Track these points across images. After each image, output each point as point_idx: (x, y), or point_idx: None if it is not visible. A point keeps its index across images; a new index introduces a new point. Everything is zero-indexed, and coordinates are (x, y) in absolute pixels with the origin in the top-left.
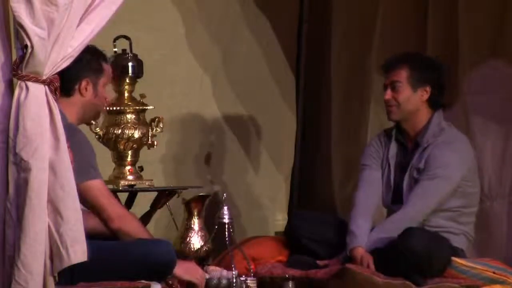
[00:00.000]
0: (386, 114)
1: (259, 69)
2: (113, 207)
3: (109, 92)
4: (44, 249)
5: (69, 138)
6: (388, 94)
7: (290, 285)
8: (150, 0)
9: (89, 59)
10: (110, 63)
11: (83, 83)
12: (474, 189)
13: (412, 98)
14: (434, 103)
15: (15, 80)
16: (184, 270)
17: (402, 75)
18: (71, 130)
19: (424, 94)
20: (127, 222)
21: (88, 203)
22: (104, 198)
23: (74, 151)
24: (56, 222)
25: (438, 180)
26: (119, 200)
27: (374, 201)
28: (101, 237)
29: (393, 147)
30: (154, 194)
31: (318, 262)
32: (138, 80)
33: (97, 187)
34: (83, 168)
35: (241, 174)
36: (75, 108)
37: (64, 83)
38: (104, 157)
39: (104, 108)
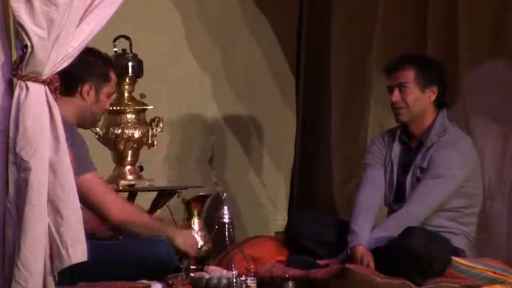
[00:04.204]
0: (394, 116)
1: (259, 69)
2: (109, 203)
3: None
4: (44, 249)
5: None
6: (396, 95)
7: (290, 285)
8: (150, 0)
9: (98, 64)
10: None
11: (86, 87)
12: (477, 190)
13: (421, 99)
14: (439, 103)
15: (15, 80)
16: (183, 240)
17: (409, 76)
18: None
19: (431, 94)
20: (128, 214)
21: (84, 201)
22: (98, 193)
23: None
24: (56, 222)
25: (441, 180)
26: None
27: (376, 200)
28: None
29: (397, 147)
30: (154, 194)
31: (319, 261)
32: (138, 80)
33: (91, 180)
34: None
35: (241, 174)
36: (72, 109)
37: (67, 82)
38: (104, 157)
39: (101, 116)
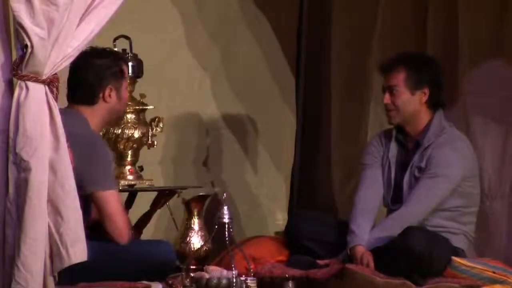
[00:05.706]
0: (387, 118)
1: (259, 69)
2: (123, 224)
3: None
4: (44, 249)
5: (88, 146)
6: (387, 98)
7: (290, 285)
8: (150, 0)
9: (110, 65)
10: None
11: (107, 91)
12: (475, 189)
13: (411, 101)
14: (433, 104)
15: (15, 80)
16: None
17: (399, 78)
18: (92, 138)
19: (422, 96)
20: (130, 234)
21: (100, 212)
22: (114, 212)
23: (92, 159)
24: (56, 222)
25: (439, 179)
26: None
27: (375, 200)
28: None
29: (393, 147)
30: (154, 194)
31: (319, 261)
32: (138, 80)
33: (110, 198)
34: (99, 177)
35: (241, 174)
36: (99, 115)
37: (87, 92)
38: None
39: (125, 110)
